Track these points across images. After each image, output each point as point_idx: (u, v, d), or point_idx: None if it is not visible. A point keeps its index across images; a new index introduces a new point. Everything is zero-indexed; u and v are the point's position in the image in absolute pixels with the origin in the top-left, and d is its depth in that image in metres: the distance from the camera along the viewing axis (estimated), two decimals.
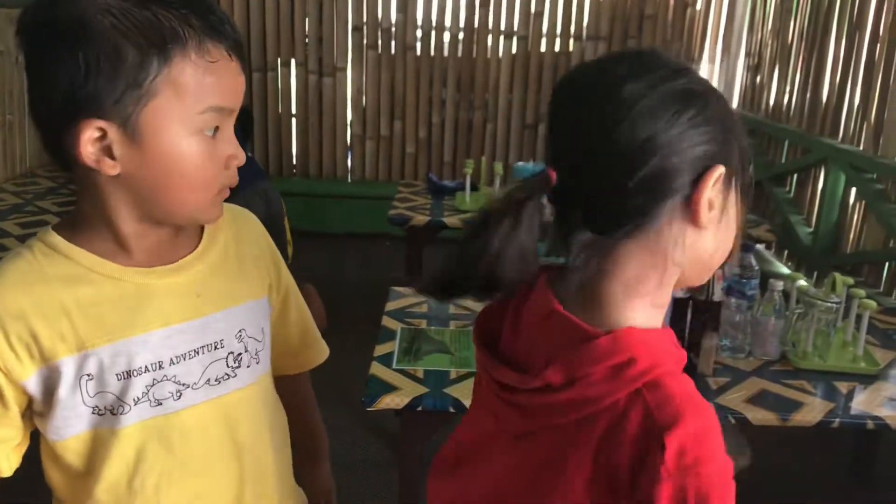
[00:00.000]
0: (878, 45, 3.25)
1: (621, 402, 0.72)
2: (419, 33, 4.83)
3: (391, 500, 1.72)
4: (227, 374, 0.96)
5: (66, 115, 0.81)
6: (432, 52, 4.82)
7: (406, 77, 4.85)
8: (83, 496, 0.93)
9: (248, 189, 3.45)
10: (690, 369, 1.94)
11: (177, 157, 0.84)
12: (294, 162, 5.00)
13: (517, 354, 0.82)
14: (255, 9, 4.67)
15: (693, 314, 2.01)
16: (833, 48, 3.61)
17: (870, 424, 1.77)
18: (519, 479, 0.80)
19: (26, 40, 0.83)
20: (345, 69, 4.84)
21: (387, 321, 2.12)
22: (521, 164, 3.91)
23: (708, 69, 4.89)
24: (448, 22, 4.76)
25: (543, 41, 4.81)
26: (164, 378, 0.91)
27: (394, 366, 1.86)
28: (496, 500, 0.83)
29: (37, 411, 0.91)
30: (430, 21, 4.76)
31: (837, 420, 1.76)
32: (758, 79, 4.38)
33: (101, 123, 0.81)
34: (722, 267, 2.03)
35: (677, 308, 1.94)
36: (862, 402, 1.79)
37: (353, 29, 4.78)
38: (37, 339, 0.86)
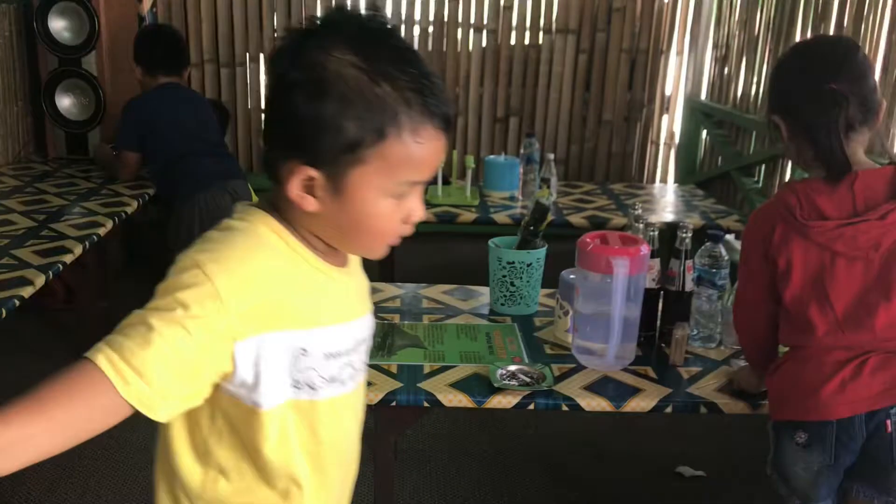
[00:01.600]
0: (843, 34, 3.29)
1: None
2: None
3: (367, 495, 1.72)
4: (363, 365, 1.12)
5: (287, 151, 0.94)
6: None
7: None
8: (260, 462, 1.01)
9: (216, 186, 3.44)
10: (662, 360, 1.96)
11: (368, 213, 0.96)
12: None
13: None
14: (222, 4, 4.62)
15: (664, 305, 2.03)
16: (799, 39, 3.65)
17: None
18: None
19: (275, 76, 0.94)
20: None
21: None
22: (492, 157, 3.92)
23: (676, 61, 4.93)
24: (418, 15, 4.74)
25: (513, 34, 4.81)
26: (349, 363, 1.05)
27: (367, 361, 1.85)
28: None
29: (238, 381, 0.95)
30: (400, 15, 4.74)
31: None
32: (725, 70, 4.42)
33: (313, 172, 0.92)
34: (691, 258, 2.06)
35: (648, 298, 1.96)
36: None
37: None
38: (264, 308, 0.93)
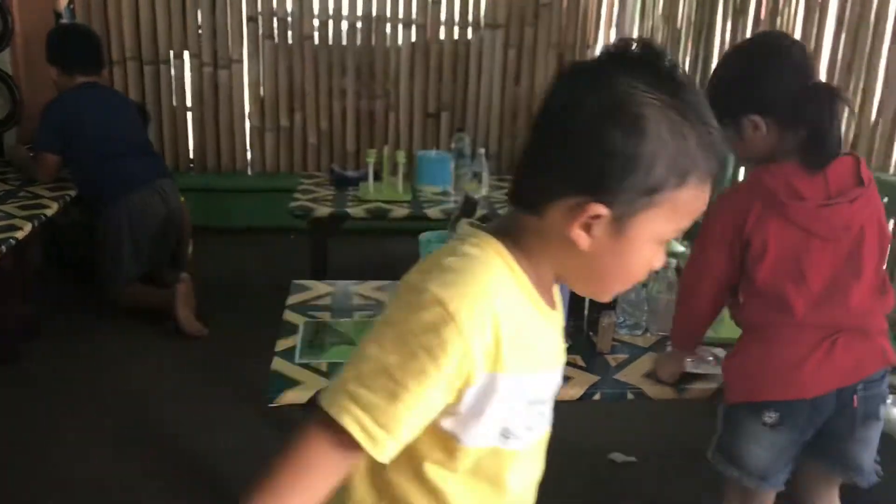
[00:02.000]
0: (760, 29, 3.39)
1: None
2: (316, 23, 4.76)
3: None
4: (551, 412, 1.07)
5: (574, 185, 0.88)
6: (331, 42, 4.77)
7: (304, 67, 4.78)
8: (438, 500, 0.96)
9: (145, 187, 3.37)
10: (590, 348, 1.99)
11: (633, 258, 0.92)
12: (191, 156, 4.87)
13: None
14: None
15: None
16: (720, 33, 3.75)
17: None
18: None
19: (573, 101, 0.88)
20: (241, 61, 4.73)
21: (289, 315, 2.09)
22: (424, 152, 3.93)
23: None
24: (346, 11, 4.71)
25: (442, 29, 4.82)
26: (542, 411, 1.02)
27: (297, 360, 1.84)
28: None
29: (457, 413, 0.91)
30: (328, 10, 4.69)
31: None
32: None
33: (603, 211, 0.87)
34: None
35: None
36: None
37: (248, 19, 4.67)
38: (497, 346, 0.88)
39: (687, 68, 4.07)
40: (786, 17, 3.21)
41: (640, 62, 0.88)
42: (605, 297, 1.00)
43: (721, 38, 3.73)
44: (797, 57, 1.60)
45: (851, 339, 1.56)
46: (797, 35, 3.11)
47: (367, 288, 2.36)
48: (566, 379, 1.81)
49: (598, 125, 0.86)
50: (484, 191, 3.60)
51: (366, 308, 2.19)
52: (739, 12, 3.56)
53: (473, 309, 0.86)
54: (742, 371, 1.64)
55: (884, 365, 1.61)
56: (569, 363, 1.89)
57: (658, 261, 0.94)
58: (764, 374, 1.60)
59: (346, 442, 0.84)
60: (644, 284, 2.07)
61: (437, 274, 0.88)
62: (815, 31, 2.99)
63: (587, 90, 0.88)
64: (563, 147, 0.89)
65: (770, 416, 1.58)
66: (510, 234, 0.94)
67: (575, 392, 1.78)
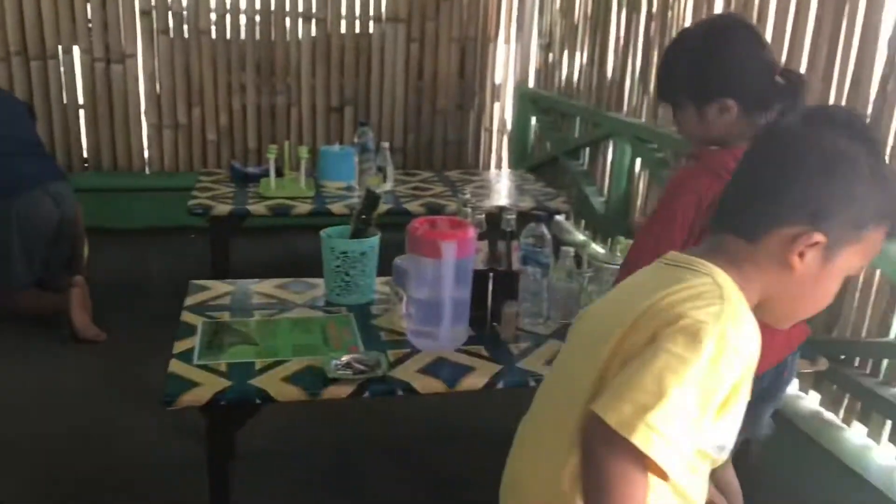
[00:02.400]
0: (653, 24, 3.49)
1: None
2: (213, 17, 4.65)
3: (202, 496, 1.67)
4: None
5: (799, 216, 1.02)
6: (228, 36, 4.66)
7: (202, 62, 4.66)
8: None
9: (35, 189, 3.21)
10: (494, 338, 2.02)
11: (829, 285, 1.07)
12: (85, 155, 4.69)
13: None
14: None
15: (493, 285, 2.09)
16: (614, 28, 3.84)
17: None
18: None
19: (802, 145, 1.04)
20: (135, 55, 4.57)
21: (186, 316, 2.04)
22: (327, 147, 3.89)
23: (504, 49, 5.06)
24: (243, 4, 4.61)
25: (343, 23, 4.78)
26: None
27: (195, 361, 1.80)
28: None
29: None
30: (224, 4, 4.59)
31: None
32: (550, 57, 4.58)
33: (822, 239, 1.01)
34: (518, 238, 2.13)
35: (478, 280, 2.01)
36: None
37: (142, 13, 4.52)
38: (747, 373, 1.02)
39: (584, 61, 4.16)
40: (676, 10, 3.31)
41: (847, 119, 1.07)
42: (789, 323, 1.14)
43: (616, 32, 3.82)
44: (764, 40, 1.61)
45: None
46: (687, 26, 3.21)
47: (268, 286, 2.32)
48: (470, 369, 1.84)
49: (825, 166, 1.02)
50: (388, 185, 3.60)
51: (267, 306, 2.16)
52: (633, 8, 3.66)
53: (744, 341, 1.00)
54: None
55: (805, 335, 1.73)
56: (472, 353, 1.92)
57: (835, 291, 1.10)
58: None
59: (650, 466, 0.96)
60: (545, 273, 2.11)
61: (718, 313, 0.99)
62: None
63: (814, 136, 1.04)
64: (793, 184, 1.03)
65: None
66: (732, 264, 1.06)
67: (479, 381, 1.80)
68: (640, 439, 0.93)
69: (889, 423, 2.24)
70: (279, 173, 3.55)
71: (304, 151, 3.47)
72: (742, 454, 1.89)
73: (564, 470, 1.06)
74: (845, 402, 2.41)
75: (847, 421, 2.40)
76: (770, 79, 1.55)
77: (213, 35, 4.66)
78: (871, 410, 2.29)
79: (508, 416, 2.85)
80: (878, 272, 2.24)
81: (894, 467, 2.19)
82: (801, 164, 1.04)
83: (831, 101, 2.39)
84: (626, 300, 1.10)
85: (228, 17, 4.63)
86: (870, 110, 2.27)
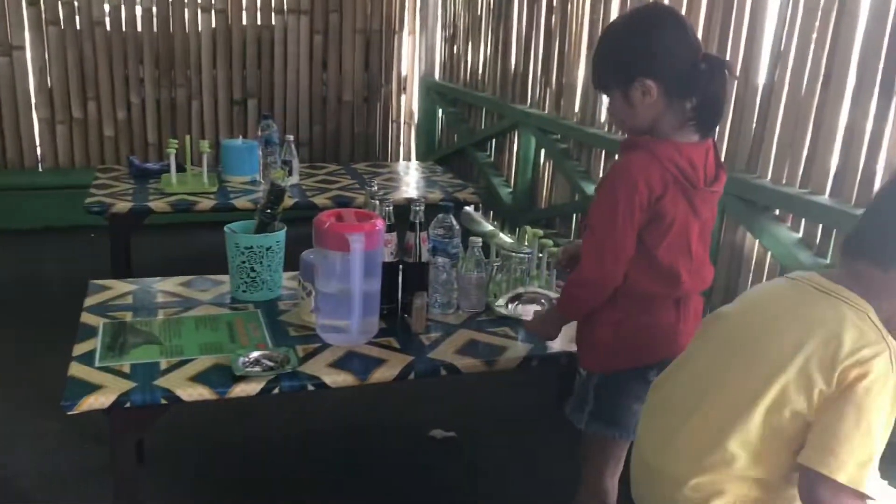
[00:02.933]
0: (554, 17, 3.56)
1: None
2: (107, 7, 4.48)
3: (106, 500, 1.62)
4: None
5: None
6: (124, 28, 4.51)
7: (96, 54, 4.49)
8: None
9: None
10: (404, 329, 2.03)
11: None
12: None
13: None
14: None
15: (403, 276, 2.09)
16: (517, 20, 3.89)
17: (564, 360, 1.95)
18: None
19: None
20: (23, 48, 4.37)
21: (86, 317, 1.97)
22: (230, 140, 3.80)
23: (409, 41, 5.06)
24: None
25: (244, 14, 4.68)
26: None
27: (97, 364, 1.74)
28: None
29: None
30: None
31: (536, 360, 1.92)
32: (454, 50, 4.61)
33: None
34: (426, 229, 2.14)
35: (387, 272, 2.01)
36: (557, 341, 1.96)
37: (29, 3, 4.32)
38: None
39: (488, 53, 4.20)
40: (576, 3, 3.38)
41: None
42: None
43: (518, 25, 3.87)
44: (690, 28, 1.63)
45: (695, 299, 1.74)
46: (586, 19, 3.29)
47: (172, 284, 2.27)
48: (381, 362, 1.84)
49: None
50: (294, 179, 3.56)
51: (171, 305, 2.11)
52: (534, 0, 3.71)
53: None
54: (631, 342, 1.69)
55: (703, 305, 1.82)
56: (383, 345, 1.93)
57: None
58: (651, 339, 1.68)
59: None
60: (454, 264, 2.13)
61: (884, 357, 1.18)
62: (601, 16, 3.18)
63: None
64: None
65: (654, 374, 1.65)
66: (870, 292, 1.22)
67: (390, 373, 1.81)
68: (867, 488, 1.17)
69: None
70: (180, 168, 3.46)
71: (205, 145, 3.38)
72: None
73: (700, 478, 1.29)
74: None
75: None
76: (693, 63, 1.57)
77: (108, 27, 4.50)
78: None
79: (421, 409, 2.89)
80: (769, 254, 2.35)
81: None
82: None
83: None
84: (782, 326, 1.28)
85: (123, 7, 4.48)
86: (758, 97, 2.38)
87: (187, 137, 3.61)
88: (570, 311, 1.77)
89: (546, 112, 3.65)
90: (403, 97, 5.17)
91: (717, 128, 1.72)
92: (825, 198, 2.17)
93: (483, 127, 4.32)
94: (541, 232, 2.33)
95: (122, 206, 3.13)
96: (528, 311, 2.05)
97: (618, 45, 1.63)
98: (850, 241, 1.30)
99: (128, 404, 1.61)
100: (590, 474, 1.81)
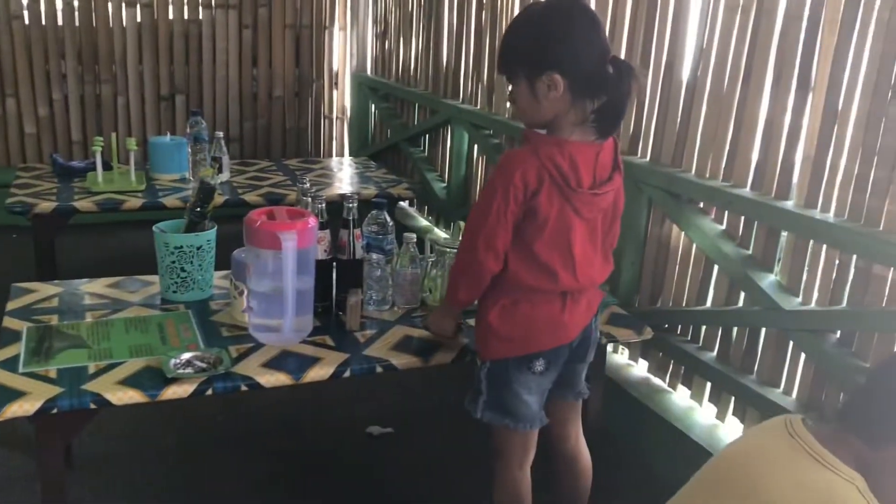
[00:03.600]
0: (484, 13, 3.58)
1: None
2: (25, 0, 4.34)
3: None
4: None
5: None
6: (44, 21, 4.37)
7: (15, 49, 4.34)
8: None
9: None
10: (339, 327, 2.02)
11: None
12: None
13: None
14: None
15: (337, 274, 2.09)
16: (447, 16, 3.90)
17: None
18: None
19: None
20: None
21: (9, 322, 1.92)
22: (158, 138, 3.73)
23: (340, 36, 5.03)
24: None
25: (171, 8, 4.58)
26: None
27: (21, 370, 1.69)
28: None
29: None
30: None
31: (470, 354, 1.93)
32: (386, 45, 4.60)
33: None
34: (360, 226, 2.13)
35: (321, 269, 2.00)
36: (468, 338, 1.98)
37: None
38: None
39: (420, 49, 4.21)
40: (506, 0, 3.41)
41: None
42: None
43: (449, 21, 3.89)
44: (603, 29, 1.64)
45: (587, 293, 1.77)
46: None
47: (99, 286, 2.22)
48: (316, 360, 1.83)
49: None
50: (225, 176, 3.51)
51: (99, 307, 2.06)
52: None
53: None
54: (513, 329, 1.72)
55: (601, 297, 1.88)
56: (318, 343, 1.92)
57: None
58: (533, 329, 1.71)
59: None
60: (388, 260, 2.13)
61: None
62: None
63: None
64: None
65: (539, 365, 1.71)
66: (857, 462, 1.21)
67: (325, 372, 1.80)
68: None
69: (709, 384, 2.43)
70: (107, 166, 3.38)
71: (132, 143, 3.31)
72: (583, 419, 2.01)
73: None
74: (670, 367, 2.59)
75: (673, 385, 2.58)
76: (601, 65, 1.59)
77: (27, 20, 4.35)
78: (693, 374, 2.47)
79: (358, 406, 2.88)
80: (694, 245, 2.42)
81: (714, 425, 2.39)
82: None
83: (649, 84, 2.55)
84: (771, 487, 1.23)
85: (42, 1, 4.33)
86: (682, 94, 2.44)
87: (113, 135, 3.53)
88: (453, 300, 1.82)
89: (478, 107, 3.67)
90: (335, 93, 5.14)
91: (619, 128, 1.74)
92: (747, 190, 2.24)
93: (416, 122, 4.32)
94: None
95: (46, 205, 3.03)
96: None
97: (532, 34, 1.60)
98: (841, 414, 1.33)
99: (55, 410, 1.57)
100: (497, 465, 1.85)
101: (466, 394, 1.82)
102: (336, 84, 5.12)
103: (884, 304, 1.87)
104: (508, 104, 3.21)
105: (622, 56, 2.66)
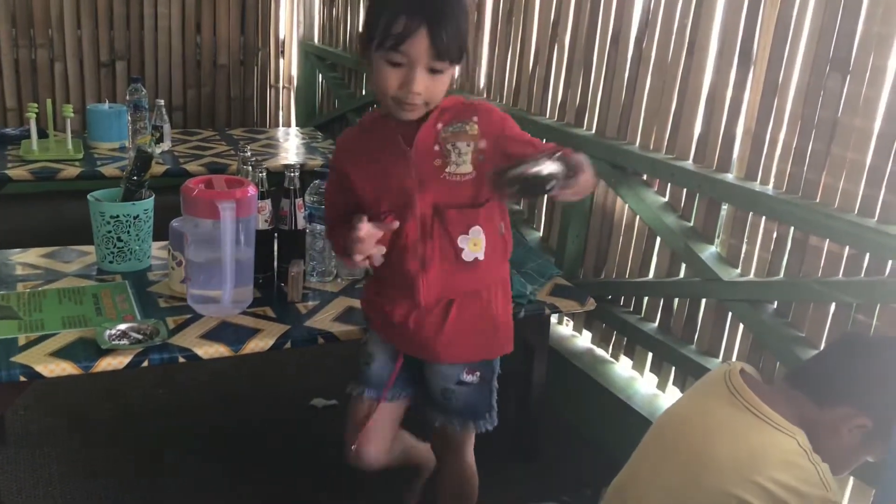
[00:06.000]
0: None
1: None
2: None
3: None
4: None
5: (862, 408, 1.35)
6: None
7: None
8: None
9: None
10: (281, 298, 1.99)
11: (852, 458, 1.41)
12: None
13: None
14: None
15: (279, 244, 2.06)
16: None
17: None
18: None
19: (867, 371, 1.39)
20: None
21: None
22: (96, 105, 3.62)
23: (287, 3, 4.93)
24: None
25: None
26: None
27: None
28: None
29: None
30: None
31: None
32: (334, 13, 4.52)
33: (870, 424, 1.34)
34: (302, 196, 2.10)
35: (262, 240, 1.97)
36: None
37: None
38: None
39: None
40: None
41: None
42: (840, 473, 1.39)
43: None
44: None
45: None
46: None
47: (32, 256, 2.15)
48: (256, 331, 1.81)
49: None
50: (166, 145, 3.42)
51: (32, 277, 2.00)
52: None
53: None
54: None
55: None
56: (258, 315, 1.89)
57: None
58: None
59: None
60: None
61: (822, 495, 1.27)
62: None
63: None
64: (865, 391, 1.34)
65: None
66: (802, 420, 1.32)
67: (265, 343, 1.78)
68: None
69: (650, 355, 2.46)
70: (42, 134, 3.27)
71: (68, 110, 3.20)
72: (527, 389, 2.02)
73: None
74: (613, 338, 2.61)
75: (615, 356, 2.61)
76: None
77: None
78: (635, 344, 2.50)
79: (301, 378, 2.85)
80: (637, 217, 2.43)
81: (655, 395, 2.42)
82: (865, 385, 1.35)
83: (595, 55, 2.54)
84: (715, 448, 1.32)
85: None
86: (628, 65, 2.45)
87: (49, 101, 3.41)
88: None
89: None
90: (282, 61, 5.04)
91: None
92: (689, 163, 2.26)
93: (364, 93, 4.26)
94: None
95: None
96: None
97: (465, 18, 1.50)
98: (792, 374, 1.47)
99: None
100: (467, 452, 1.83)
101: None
102: (282, 52, 5.02)
103: (819, 275, 1.91)
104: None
105: (569, 26, 2.66)
